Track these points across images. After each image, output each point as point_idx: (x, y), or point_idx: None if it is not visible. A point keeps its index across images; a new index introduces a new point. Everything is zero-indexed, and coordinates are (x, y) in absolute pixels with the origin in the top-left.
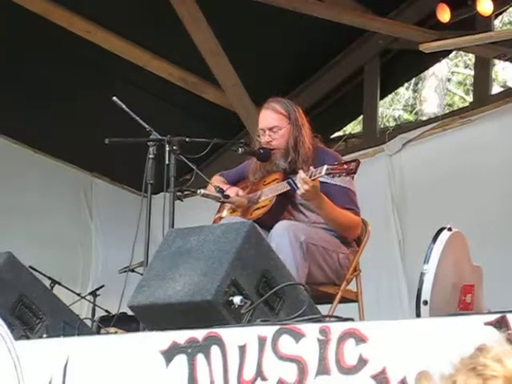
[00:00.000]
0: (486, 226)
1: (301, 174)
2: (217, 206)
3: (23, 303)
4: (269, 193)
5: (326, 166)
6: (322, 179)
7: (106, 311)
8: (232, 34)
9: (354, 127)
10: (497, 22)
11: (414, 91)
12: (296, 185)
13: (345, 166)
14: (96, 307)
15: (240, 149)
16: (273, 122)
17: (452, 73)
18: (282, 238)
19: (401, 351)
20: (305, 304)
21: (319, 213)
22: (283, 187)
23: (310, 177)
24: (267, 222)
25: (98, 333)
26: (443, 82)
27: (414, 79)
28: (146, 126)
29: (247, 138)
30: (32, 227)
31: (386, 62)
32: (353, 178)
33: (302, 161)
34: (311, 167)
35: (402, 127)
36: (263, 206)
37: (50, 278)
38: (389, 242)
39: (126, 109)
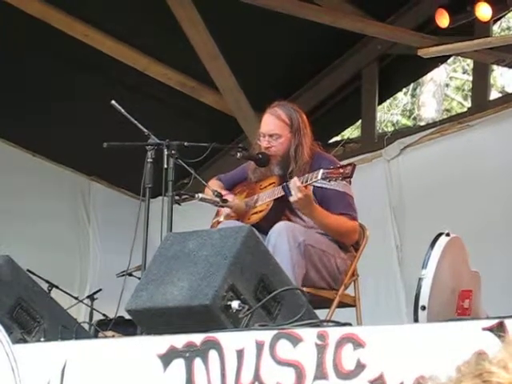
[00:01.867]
0: (484, 232)
1: (296, 181)
2: (215, 209)
3: (21, 306)
4: (266, 197)
5: (321, 171)
6: (318, 184)
7: (104, 315)
8: (230, 38)
9: (352, 132)
10: (495, 28)
11: (413, 96)
12: (290, 191)
13: (340, 170)
14: (94, 311)
15: (238, 153)
16: (274, 129)
17: (450, 78)
18: (280, 237)
19: (398, 356)
20: (303, 309)
21: (312, 220)
22: (280, 192)
23: (304, 182)
24: (265, 226)
25: (96, 336)
26: (441, 88)
27: (412, 84)
28: (145, 130)
29: (245, 143)
30: (30, 230)
31: (384, 66)
32: (350, 182)
33: (298, 169)
34: (312, 173)
35: (400, 132)
36: (260, 211)
37: (47, 281)
38: (387, 247)
39: (125, 113)
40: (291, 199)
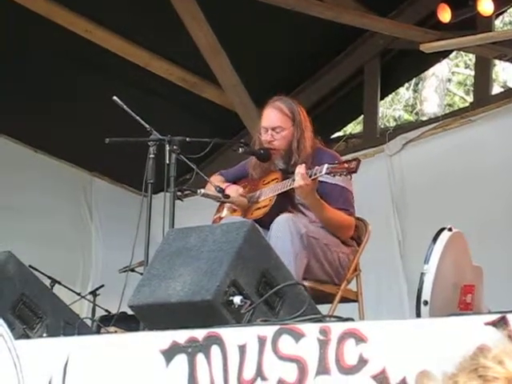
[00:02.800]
0: (486, 226)
1: (301, 169)
2: (217, 205)
3: (23, 302)
4: (269, 192)
5: (326, 165)
6: (321, 178)
7: (106, 311)
8: (232, 33)
9: (355, 127)
10: (497, 22)
11: (415, 91)
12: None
13: (345, 165)
14: (96, 307)
15: (240, 148)
16: (277, 122)
17: (452, 73)
18: (283, 228)
19: (401, 351)
20: (305, 304)
21: (312, 211)
22: (283, 187)
23: (310, 176)
24: (267, 221)
25: (98, 332)
26: (443, 83)
27: (414, 79)
28: (147, 126)
29: (247, 138)
30: (32, 226)
31: (386, 61)
32: (351, 177)
33: (301, 162)
34: (316, 167)
35: (403, 127)
36: (263, 206)
37: (50, 277)
38: (389, 242)
39: (127, 108)
40: (294, 184)
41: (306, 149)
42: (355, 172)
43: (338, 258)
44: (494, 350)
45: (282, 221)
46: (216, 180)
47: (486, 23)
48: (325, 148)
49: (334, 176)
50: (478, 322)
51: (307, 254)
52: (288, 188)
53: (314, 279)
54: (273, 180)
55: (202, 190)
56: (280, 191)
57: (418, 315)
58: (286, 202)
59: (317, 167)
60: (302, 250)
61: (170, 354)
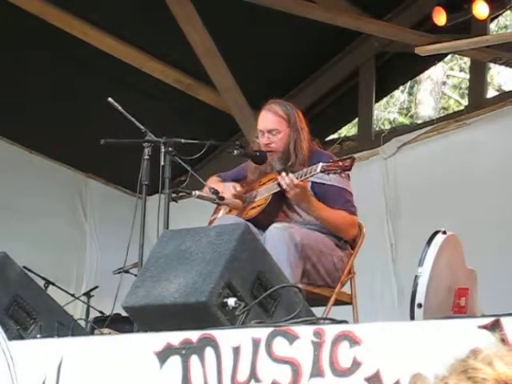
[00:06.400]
0: (480, 230)
1: (285, 178)
2: (212, 207)
3: (17, 303)
4: (264, 192)
5: (321, 164)
6: (317, 180)
7: (100, 312)
8: (228, 35)
9: (349, 130)
10: (493, 26)
11: (410, 94)
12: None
13: (339, 163)
14: (90, 308)
15: (235, 151)
16: (272, 125)
17: (447, 76)
18: (277, 238)
19: (395, 354)
20: (299, 306)
21: (310, 214)
22: (278, 186)
23: (303, 176)
24: (262, 221)
25: (92, 334)
26: (438, 86)
27: (409, 82)
28: (142, 127)
29: (242, 140)
30: (26, 227)
31: (381, 64)
32: (348, 177)
33: (299, 164)
34: (311, 166)
35: (397, 130)
36: (258, 206)
37: (44, 278)
38: (381, 245)
39: (122, 110)
40: (287, 195)
41: (303, 150)
42: (349, 170)
43: (333, 262)
44: (484, 352)
45: (277, 231)
46: (213, 180)
47: (481, 27)
48: (322, 150)
49: (329, 174)
50: (471, 325)
51: (303, 262)
52: (278, 189)
53: (310, 283)
54: (269, 180)
55: (197, 192)
56: (275, 190)
57: (412, 318)
58: (281, 202)
59: (311, 166)
60: (297, 260)
61: (163, 355)
